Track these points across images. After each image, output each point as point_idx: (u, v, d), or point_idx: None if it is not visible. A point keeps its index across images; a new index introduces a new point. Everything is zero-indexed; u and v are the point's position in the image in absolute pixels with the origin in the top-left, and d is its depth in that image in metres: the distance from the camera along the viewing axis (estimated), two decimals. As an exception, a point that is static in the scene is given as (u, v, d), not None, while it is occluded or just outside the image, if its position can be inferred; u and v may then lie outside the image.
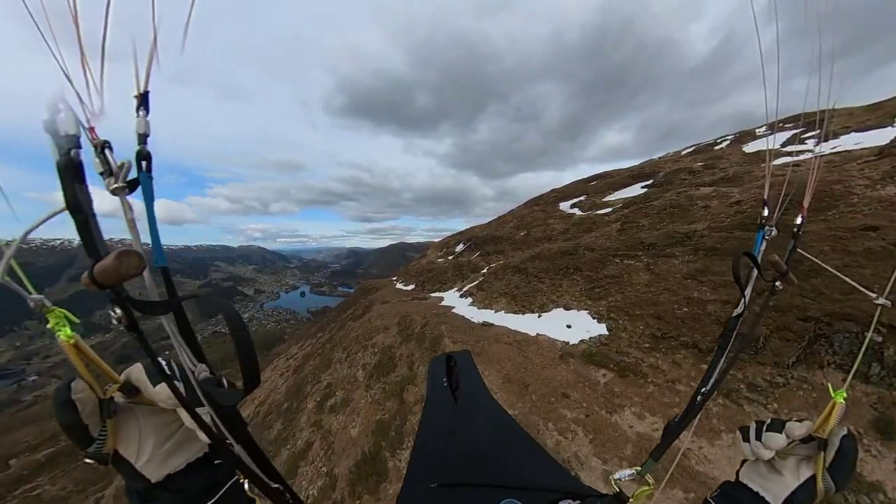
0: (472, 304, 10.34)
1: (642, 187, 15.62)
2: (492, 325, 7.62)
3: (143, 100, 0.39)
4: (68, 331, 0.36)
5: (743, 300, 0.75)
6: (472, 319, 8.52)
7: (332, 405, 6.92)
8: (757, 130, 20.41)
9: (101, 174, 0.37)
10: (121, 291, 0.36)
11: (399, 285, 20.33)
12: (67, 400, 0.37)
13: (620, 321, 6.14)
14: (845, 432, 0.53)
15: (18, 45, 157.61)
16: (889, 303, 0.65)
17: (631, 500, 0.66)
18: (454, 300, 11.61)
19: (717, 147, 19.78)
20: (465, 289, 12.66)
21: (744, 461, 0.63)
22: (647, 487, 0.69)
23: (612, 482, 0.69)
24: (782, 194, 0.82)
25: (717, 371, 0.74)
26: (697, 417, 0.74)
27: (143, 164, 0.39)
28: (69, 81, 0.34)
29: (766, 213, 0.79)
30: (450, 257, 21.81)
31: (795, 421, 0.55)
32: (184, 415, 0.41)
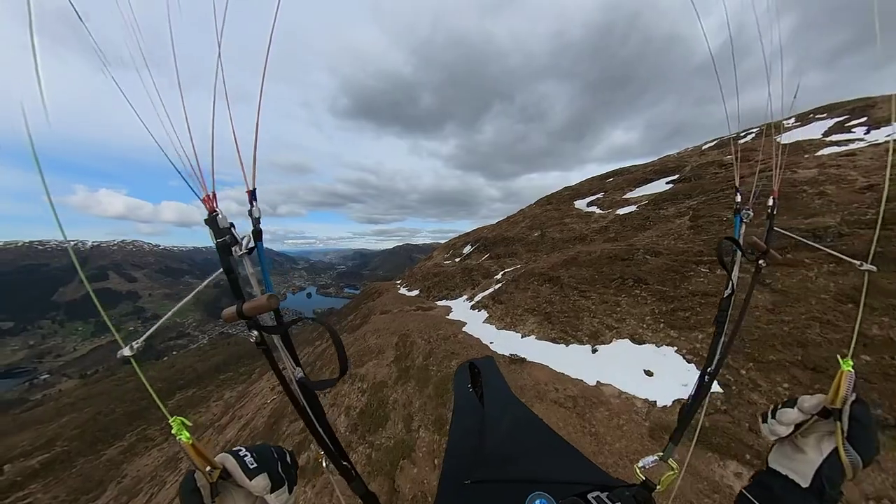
0: (489, 321, 8.77)
1: (667, 182, 15.04)
2: (524, 360, 5.59)
3: (252, 195, 0.59)
4: (187, 434, 0.49)
5: (731, 282, 0.82)
6: (493, 347, 6.72)
7: (303, 466, 5.15)
8: (784, 122, 19.83)
9: (230, 245, 0.56)
10: (257, 320, 0.58)
11: (403, 290, 19.48)
12: (195, 489, 0.48)
13: (743, 371, 3.92)
14: (853, 398, 0.54)
15: (24, 48, 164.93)
16: (875, 268, 0.72)
17: (658, 486, 0.69)
18: (464, 312, 10.32)
19: (742, 140, 19.23)
20: (476, 298, 11.42)
21: (772, 447, 0.64)
22: (671, 472, 0.72)
23: (638, 471, 0.72)
24: (755, 182, 0.95)
25: (718, 351, 0.80)
26: (707, 397, 0.81)
27: (257, 235, 0.59)
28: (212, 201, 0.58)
29: (739, 199, 0.90)
30: (457, 259, 21.52)
31: (807, 395, 0.56)
32: (271, 499, 0.53)
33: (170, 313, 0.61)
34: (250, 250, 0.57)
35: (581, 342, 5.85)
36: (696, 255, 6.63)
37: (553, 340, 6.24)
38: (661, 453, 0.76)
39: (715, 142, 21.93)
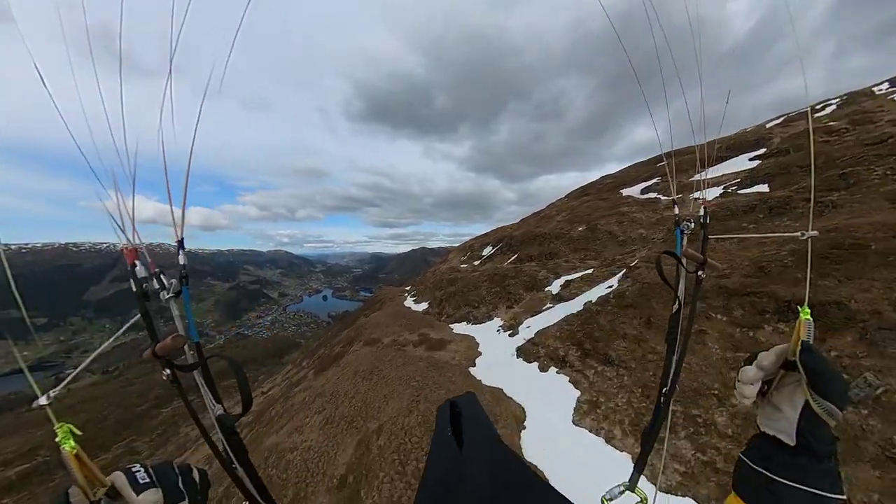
0: (597, 426, 4.09)
1: (751, 159, 13.92)
2: None
3: (180, 244, 0.70)
4: (72, 443, 0.50)
5: (678, 298, 0.90)
6: None
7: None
8: (876, 89, 18.58)
9: (157, 289, 0.66)
10: (170, 359, 0.66)
11: (410, 301, 16.99)
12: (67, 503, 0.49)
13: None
14: (800, 348, 0.56)
15: (63, 66, 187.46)
16: (817, 233, 0.80)
17: None
18: (505, 363, 5.80)
19: (817, 114, 17.68)
20: (524, 330, 6.75)
21: (759, 409, 0.67)
22: (641, 501, 0.74)
23: (605, 503, 0.73)
24: (695, 193, 1.08)
25: (672, 369, 0.86)
26: (668, 419, 0.85)
27: (184, 280, 0.69)
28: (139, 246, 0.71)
29: (677, 211, 1.00)
30: (476, 262, 20.57)
31: (764, 351, 0.59)
32: None
33: (86, 362, 0.74)
34: (177, 294, 0.67)
35: None
36: None
37: None
38: (627, 483, 0.78)
39: (780, 119, 20.34)
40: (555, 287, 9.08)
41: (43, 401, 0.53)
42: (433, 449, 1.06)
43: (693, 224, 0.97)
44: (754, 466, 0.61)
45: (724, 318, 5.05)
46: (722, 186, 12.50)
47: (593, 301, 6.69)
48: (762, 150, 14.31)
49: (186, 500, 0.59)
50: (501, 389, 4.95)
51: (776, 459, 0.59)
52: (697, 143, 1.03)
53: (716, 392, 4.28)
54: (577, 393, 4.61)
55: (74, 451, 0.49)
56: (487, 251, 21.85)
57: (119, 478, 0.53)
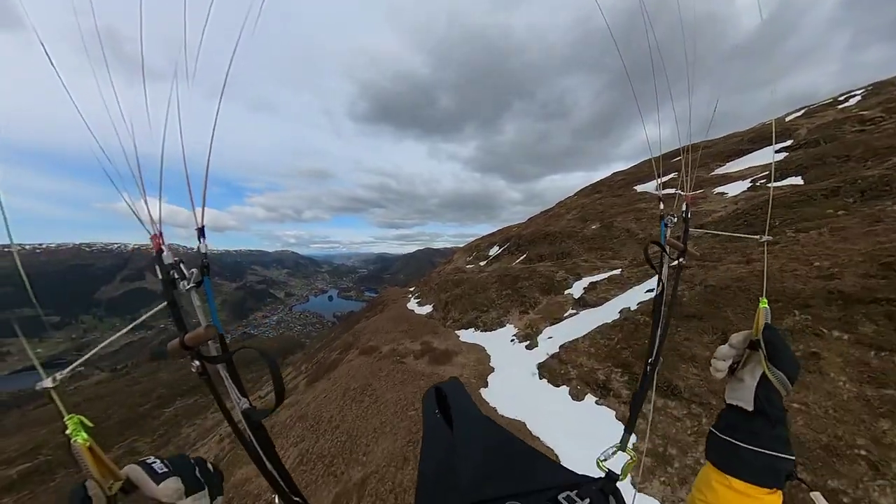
0: (666, 497, 2.83)
1: (777, 151, 13.43)
2: None
3: (201, 231, 0.67)
4: (84, 435, 0.47)
5: (661, 281, 1.01)
6: None
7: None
8: None
9: (178, 279, 0.64)
10: (199, 351, 0.64)
11: (413, 302, 16.73)
12: (85, 497, 0.46)
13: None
14: (763, 326, 0.70)
15: (73, 70, 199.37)
16: (771, 237, 0.95)
17: (620, 476, 0.74)
18: (526, 391, 4.81)
19: (841, 105, 17.17)
20: (543, 343, 5.95)
21: (726, 387, 0.79)
22: (631, 460, 0.81)
23: (599, 464, 0.80)
24: (680, 189, 1.15)
25: (656, 342, 0.97)
26: (654, 385, 0.97)
27: (205, 270, 0.65)
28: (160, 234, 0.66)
29: (662, 206, 1.09)
30: (482, 263, 20.35)
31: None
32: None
33: (106, 342, 0.69)
34: (198, 284, 0.64)
35: None
36: None
37: None
38: (619, 443, 0.88)
39: (801, 111, 19.89)
40: (576, 290, 8.16)
41: (48, 383, 0.47)
42: (424, 438, 1.09)
43: (676, 218, 1.08)
44: (721, 436, 0.73)
45: (845, 335, 3.68)
46: (749, 180, 12.17)
47: (633, 308, 5.52)
48: (788, 142, 13.81)
49: (206, 490, 0.59)
50: (524, 424, 4.01)
51: (740, 429, 0.71)
52: (682, 146, 1.13)
53: (862, 452, 2.76)
54: (632, 438, 3.90)
55: (88, 444, 0.47)
56: (494, 251, 21.62)
57: (134, 470, 0.52)
